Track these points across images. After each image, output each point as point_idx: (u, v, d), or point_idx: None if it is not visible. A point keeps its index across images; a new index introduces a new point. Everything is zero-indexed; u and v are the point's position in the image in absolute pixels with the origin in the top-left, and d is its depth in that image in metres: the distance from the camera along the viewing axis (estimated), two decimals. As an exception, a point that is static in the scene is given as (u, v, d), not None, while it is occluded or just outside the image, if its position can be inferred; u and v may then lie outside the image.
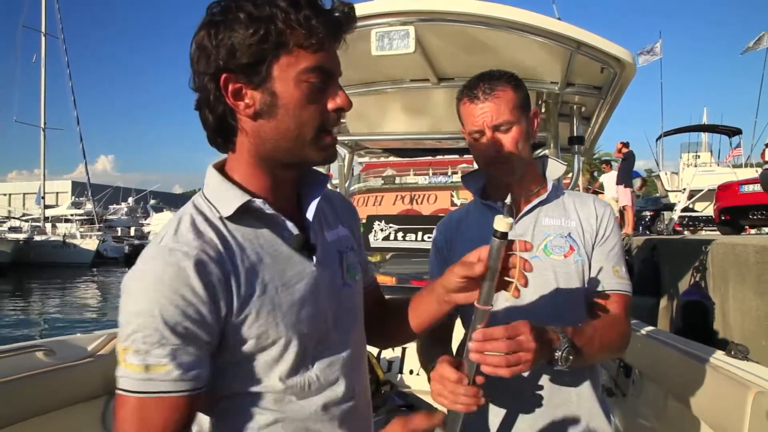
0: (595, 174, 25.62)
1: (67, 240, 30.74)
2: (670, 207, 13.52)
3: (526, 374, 1.18)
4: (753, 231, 10.82)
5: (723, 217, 9.78)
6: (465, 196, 12.12)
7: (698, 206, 13.36)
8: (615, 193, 10.67)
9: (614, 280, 1.24)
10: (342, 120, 3.05)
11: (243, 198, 0.83)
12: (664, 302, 7.05)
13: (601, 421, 1.25)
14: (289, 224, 0.86)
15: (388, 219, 3.15)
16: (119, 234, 38.56)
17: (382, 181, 15.29)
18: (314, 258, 0.89)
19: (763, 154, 10.61)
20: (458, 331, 1.38)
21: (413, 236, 3.05)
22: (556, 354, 1.02)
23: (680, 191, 14.36)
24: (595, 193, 11.25)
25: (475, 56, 2.14)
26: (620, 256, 1.27)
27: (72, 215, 38.47)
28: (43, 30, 34.50)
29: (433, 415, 0.87)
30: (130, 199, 49.26)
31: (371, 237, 3.11)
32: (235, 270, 0.80)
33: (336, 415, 0.89)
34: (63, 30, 34.16)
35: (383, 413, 2.30)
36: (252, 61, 0.78)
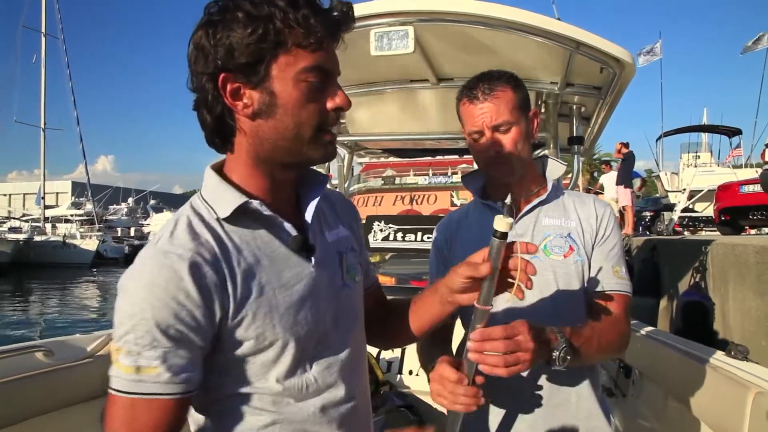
0: (595, 174, 25.64)
1: (67, 240, 30.76)
2: (670, 207, 13.51)
3: (525, 374, 1.19)
4: (753, 231, 10.82)
5: (723, 218, 9.78)
6: (465, 197, 12.11)
7: (698, 207, 13.36)
8: (615, 194, 10.67)
9: (614, 281, 1.24)
10: (342, 120, 3.07)
11: (240, 199, 0.83)
12: (664, 303, 7.05)
13: (601, 421, 1.24)
14: (287, 225, 0.86)
15: (388, 219, 3.14)
16: (119, 234, 38.57)
17: (382, 182, 15.28)
18: (313, 259, 0.89)
19: (763, 155, 10.61)
20: (458, 332, 1.38)
21: (413, 236, 3.05)
22: (554, 354, 1.02)
23: (680, 191, 14.37)
24: (596, 194, 11.24)
25: (474, 56, 2.14)
26: (620, 256, 1.27)
27: (72, 215, 38.49)
28: (43, 30, 34.51)
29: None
30: (130, 200, 49.27)
31: (370, 237, 3.11)
32: (231, 272, 0.80)
33: (334, 417, 0.89)
34: (63, 30, 34.23)
35: (382, 413, 2.29)
36: (250, 61, 0.78)
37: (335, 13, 0.83)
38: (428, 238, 2.97)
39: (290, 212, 0.91)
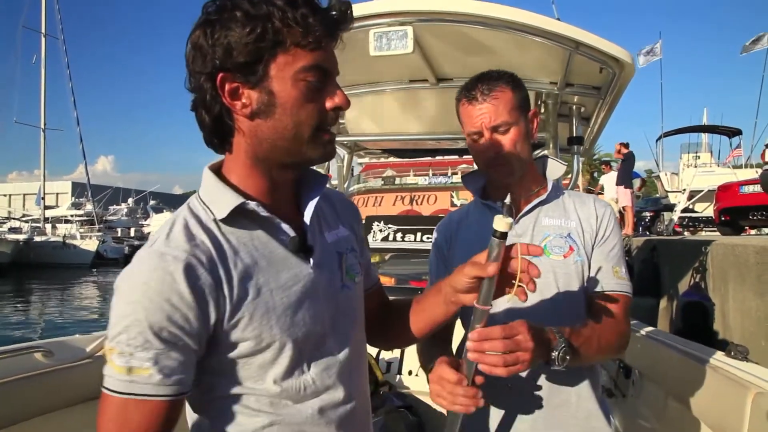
0: (595, 175, 25.63)
1: (67, 241, 30.76)
2: (670, 208, 13.50)
3: (525, 375, 1.19)
4: (753, 232, 10.82)
5: (723, 218, 9.78)
6: (465, 197, 12.11)
7: (698, 207, 13.35)
8: (615, 194, 10.68)
9: (614, 281, 1.23)
10: (341, 121, 3.06)
11: (237, 200, 0.83)
12: (663, 303, 7.06)
13: (601, 421, 1.24)
14: (285, 226, 0.86)
15: (387, 219, 3.14)
16: (119, 235, 38.56)
17: (382, 182, 15.28)
18: (311, 260, 0.88)
19: (763, 155, 10.61)
20: (458, 331, 1.37)
21: (412, 237, 3.05)
22: (553, 354, 1.02)
23: (680, 192, 14.36)
24: (597, 195, 11.23)
25: (473, 57, 2.14)
26: (620, 256, 1.27)
27: (72, 216, 38.50)
28: (43, 31, 34.51)
29: None
30: (130, 200, 49.27)
31: (370, 238, 3.10)
32: (227, 273, 0.79)
33: (333, 419, 0.89)
34: (63, 31, 34.24)
35: (382, 414, 2.29)
36: (249, 60, 0.78)
37: (334, 12, 0.82)
38: (427, 238, 2.97)
39: (290, 213, 0.91)
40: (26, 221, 36.33)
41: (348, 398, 0.91)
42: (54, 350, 1.63)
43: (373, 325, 1.08)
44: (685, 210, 13.14)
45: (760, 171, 10.24)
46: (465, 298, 0.95)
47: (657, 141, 20.63)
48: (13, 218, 39.50)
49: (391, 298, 1.19)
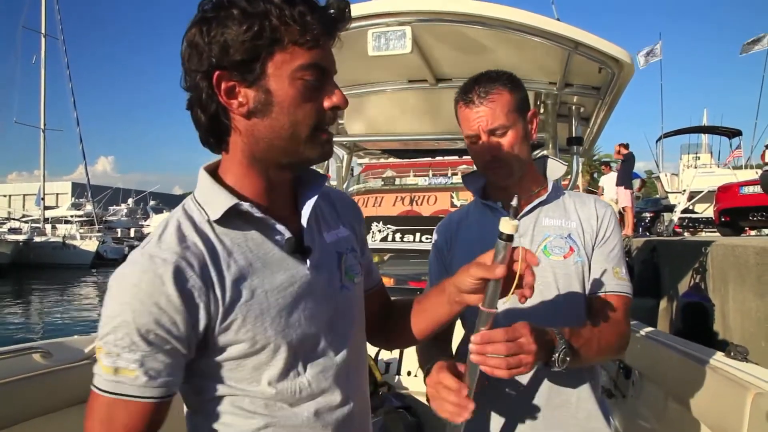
0: (595, 175, 25.64)
1: (66, 241, 30.74)
2: (670, 208, 13.51)
3: (525, 376, 1.18)
4: (753, 232, 10.82)
5: (723, 219, 9.78)
6: (465, 197, 12.11)
7: (698, 208, 13.34)
8: (614, 195, 10.68)
9: (614, 282, 1.23)
10: (340, 121, 3.06)
11: (231, 201, 0.82)
12: (663, 304, 7.06)
13: (600, 422, 1.24)
14: (280, 227, 0.85)
15: (386, 220, 3.14)
16: (119, 235, 38.54)
17: (382, 182, 15.28)
18: (308, 261, 0.87)
19: (763, 156, 10.63)
20: (458, 331, 1.37)
21: (411, 237, 3.04)
22: (554, 356, 1.01)
23: (680, 193, 14.35)
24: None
25: (472, 57, 2.14)
26: (621, 257, 1.26)
27: (72, 216, 38.51)
28: (43, 31, 34.53)
29: None
30: (130, 201, 49.28)
31: (369, 238, 3.10)
32: (219, 275, 0.79)
33: (329, 422, 0.88)
34: (63, 31, 34.24)
35: (381, 415, 2.29)
36: (246, 58, 0.77)
37: (332, 11, 0.82)
38: (426, 238, 2.96)
39: (288, 213, 0.90)
40: (26, 222, 36.33)
41: (345, 401, 0.90)
42: (53, 351, 1.63)
43: (374, 326, 1.07)
44: (685, 211, 13.14)
45: (760, 172, 10.25)
46: (470, 299, 0.94)
47: (657, 142, 20.67)
48: (13, 219, 39.51)
49: (394, 298, 1.18)
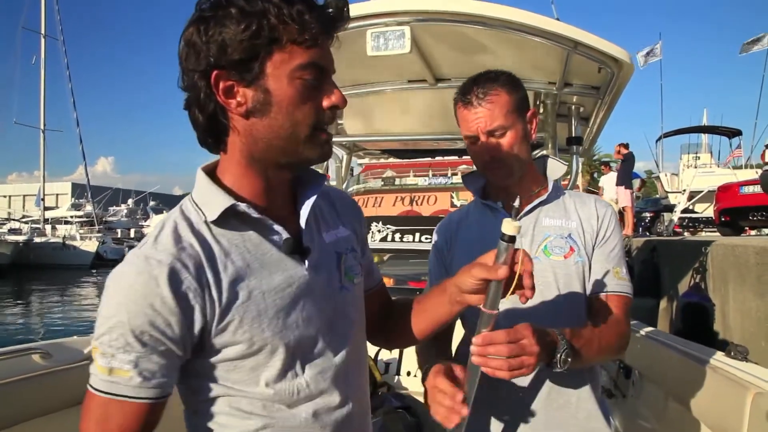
0: (595, 175, 25.65)
1: (66, 242, 30.73)
2: (670, 208, 13.50)
3: (527, 376, 1.18)
4: (753, 232, 10.82)
5: (723, 219, 9.78)
6: (465, 197, 12.11)
7: (698, 207, 13.34)
8: (614, 195, 10.68)
9: (614, 282, 1.23)
10: (339, 121, 3.06)
11: (228, 202, 0.81)
12: (664, 303, 7.06)
13: (601, 422, 1.24)
14: (278, 228, 0.84)
15: (386, 220, 3.14)
16: (119, 236, 38.48)
17: (382, 183, 15.29)
18: (306, 261, 0.87)
19: (763, 156, 10.63)
20: (458, 331, 1.37)
21: (410, 237, 3.04)
22: (556, 356, 1.01)
23: (680, 192, 14.35)
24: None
25: (471, 57, 2.14)
26: (621, 257, 1.26)
27: (72, 217, 38.48)
28: (42, 32, 34.57)
29: None
30: (130, 201, 49.23)
31: (368, 238, 3.09)
32: (216, 277, 0.79)
33: (327, 423, 0.88)
34: (63, 31, 34.26)
35: (380, 415, 2.29)
36: (244, 58, 0.77)
37: (330, 10, 0.81)
38: (426, 238, 2.96)
39: (286, 213, 0.89)
40: (26, 222, 36.32)
41: (343, 402, 0.90)
42: (52, 352, 1.63)
43: (374, 326, 1.07)
44: (685, 210, 13.14)
45: (760, 171, 10.25)
46: (471, 299, 0.93)
47: (657, 142, 20.67)
48: (13, 219, 39.51)
49: (394, 297, 1.18)
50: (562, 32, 1.81)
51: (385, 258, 4.21)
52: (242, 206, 0.82)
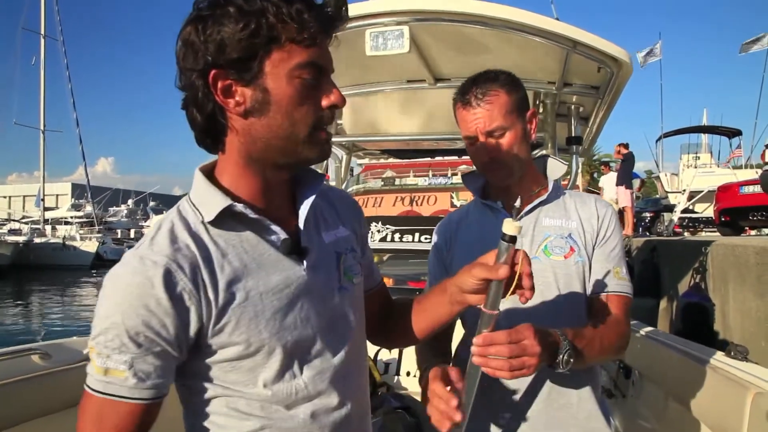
0: (595, 176, 25.66)
1: (66, 242, 30.74)
2: (670, 208, 13.50)
3: (527, 377, 1.18)
4: (753, 232, 10.82)
5: (723, 219, 9.78)
6: (465, 198, 12.11)
7: (698, 207, 13.34)
8: (614, 194, 10.68)
9: (615, 282, 1.22)
10: (339, 121, 3.06)
11: (225, 202, 0.81)
12: (664, 303, 7.05)
13: (601, 422, 1.24)
14: (276, 228, 0.84)
15: (385, 220, 3.14)
16: (119, 236, 38.46)
17: (382, 183, 15.29)
18: (305, 262, 0.86)
19: (763, 155, 10.64)
20: (458, 331, 1.37)
21: (410, 237, 3.04)
22: (558, 357, 1.01)
23: (680, 192, 14.35)
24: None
25: (471, 56, 2.14)
26: (621, 257, 1.26)
27: (72, 217, 38.51)
28: (42, 32, 34.60)
29: None
30: (130, 201, 49.24)
31: (368, 238, 3.09)
32: (212, 278, 0.78)
33: (325, 424, 0.87)
34: (62, 32, 34.31)
35: (380, 415, 2.29)
36: (242, 57, 0.76)
37: (329, 9, 0.81)
38: (425, 239, 2.96)
39: (285, 213, 0.89)
40: (26, 223, 36.31)
41: (342, 403, 0.89)
42: (51, 352, 1.63)
43: (374, 325, 1.06)
44: (685, 210, 13.13)
45: (760, 171, 10.24)
46: (471, 299, 0.93)
47: (657, 142, 20.68)
48: (13, 220, 39.56)
49: (395, 297, 1.18)
50: (561, 32, 1.81)
51: (385, 258, 4.21)
52: (239, 206, 0.81)
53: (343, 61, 2.05)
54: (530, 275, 0.88)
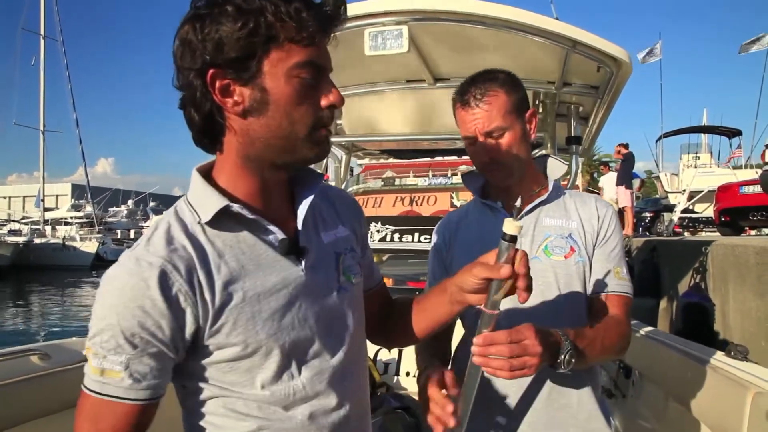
0: (595, 176, 25.67)
1: (66, 243, 30.74)
2: (670, 208, 13.50)
3: (528, 377, 1.18)
4: (753, 232, 10.82)
5: (723, 219, 9.78)
6: (465, 198, 12.10)
7: (698, 207, 13.34)
8: (614, 194, 10.68)
9: (615, 282, 1.22)
10: (338, 121, 3.05)
11: (221, 203, 0.81)
12: (664, 304, 7.05)
13: (601, 422, 1.23)
14: (273, 228, 0.84)
15: (384, 220, 3.13)
16: (119, 236, 38.46)
17: (382, 183, 15.29)
18: (303, 262, 0.86)
19: (763, 155, 10.64)
20: (458, 331, 1.37)
21: (409, 237, 3.04)
22: (560, 357, 1.00)
23: (680, 192, 14.35)
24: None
25: (470, 56, 2.13)
26: (621, 257, 1.25)
27: (72, 218, 38.50)
28: (42, 33, 34.60)
29: None
30: (130, 202, 49.23)
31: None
32: (209, 279, 0.78)
33: (324, 425, 0.87)
34: (62, 32, 34.32)
35: (379, 415, 2.29)
36: (241, 56, 0.76)
37: (327, 8, 0.81)
38: (425, 238, 2.96)
39: (284, 213, 0.89)
40: (26, 223, 36.32)
41: (340, 404, 0.89)
42: (50, 353, 1.63)
43: (374, 325, 1.06)
44: (685, 210, 13.14)
45: (760, 171, 10.24)
46: (472, 298, 0.92)
47: (657, 142, 20.71)
48: (13, 220, 39.55)
49: (395, 296, 1.17)
50: (560, 31, 1.81)
51: (385, 258, 4.21)
52: (236, 207, 0.81)
53: (343, 61, 2.05)
54: (526, 275, 0.88)
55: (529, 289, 0.88)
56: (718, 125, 20.55)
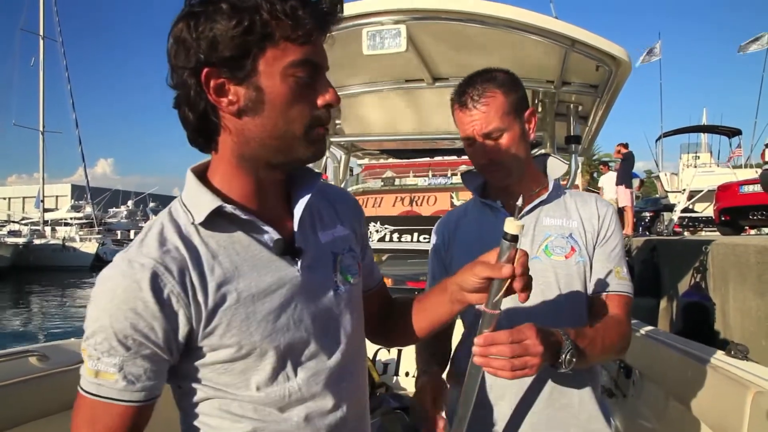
0: (595, 175, 25.68)
1: (66, 243, 30.73)
2: (670, 208, 13.50)
3: (528, 377, 1.17)
4: (753, 231, 10.81)
5: (723, 218, 9.77)
6: (464, 198, 12.10)
7: (698, 207, 13.34)
8: (614, 194, 10.68)
9: (615, 281, 1.22)
10: (337, 121, 3.05)
11: (215, 203, 0.80)
12: (664, 303, 7.05)
13: (601, 423, 1.23)
14: (268, 228, 0.83)
15: (384, 220, 3.13)
16: (119, 237, 38.44)
17: (382, 183, 15.28)
18: (299, 262, 0.85)
19: (763, 155, 10.63)
20: (458, 331, 1.37)
21: (409, 237, 3.04)
22: (561, 357, 1.00)
23: (680, 192, 14.35)
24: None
25: (468, 55, 2.13)
26: (621, 256, 1.25)
27: (71, 219, 38.53)
28: (41, 33, 34.60)
29: None
30: (130, 202, 49.27)
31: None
32: (202, 280, 0.77)
33: (320, 427, 0.86)
34: (61, 33, 34.31)
35: (378, 416, 2.28)
36: (236, 55, 0.75)
37: (324, 6, 0.80)
38: (425, 238, 2.96)
39: (281, 214, 0.88)
40: (26, 224, 36.35)
41: (337, 406, 0.88)
42: (49, 354, 1.62)
43: (375, 325, 1.06)
44: (684, 210, 13.13)
45: (759, 171, 10.24)
46: (472, 298, 0.91)
47: (656, 141, 20.70)
48: (13, 221, 39.57)
49: (395, 296, 1.17)
50: (559, 30, 1.80)
51: (384, 258, 4.20)
52: (229, 207, 0.80)
53: (341, 60, 2.04)
54: (524, 275, 0.87)
55: (528, 288, 0.88)
56: (717, 125, 20.53)
